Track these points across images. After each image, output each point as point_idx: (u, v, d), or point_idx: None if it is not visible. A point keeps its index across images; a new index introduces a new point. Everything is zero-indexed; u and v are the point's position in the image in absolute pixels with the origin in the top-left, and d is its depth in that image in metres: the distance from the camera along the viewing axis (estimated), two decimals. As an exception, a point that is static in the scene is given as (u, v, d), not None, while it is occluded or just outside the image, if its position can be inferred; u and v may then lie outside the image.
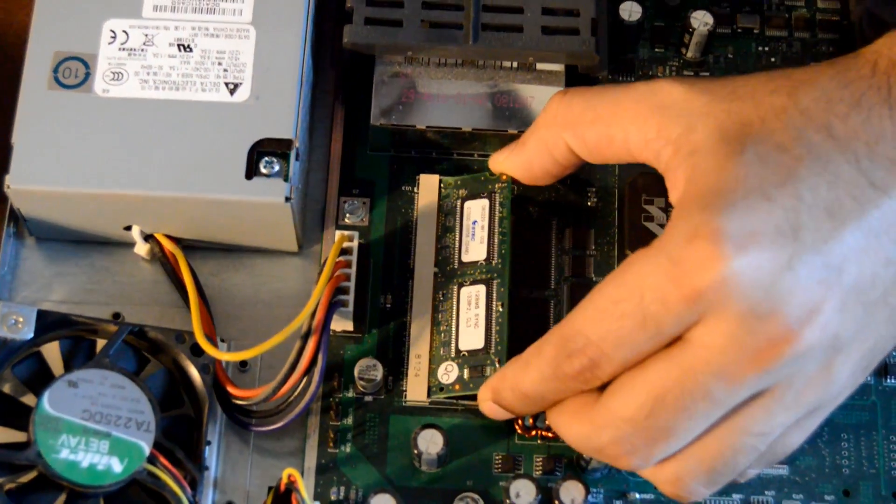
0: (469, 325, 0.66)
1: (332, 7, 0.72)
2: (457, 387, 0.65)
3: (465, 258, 0.67)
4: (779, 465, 0.66)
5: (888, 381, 0.67)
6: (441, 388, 0.65)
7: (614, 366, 0.57)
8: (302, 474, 0.64)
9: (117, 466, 0.60)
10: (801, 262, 0.53)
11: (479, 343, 0.65)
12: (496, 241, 0.67)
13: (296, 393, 0.63)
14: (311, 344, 0.63)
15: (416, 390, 0.66)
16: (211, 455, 0.64)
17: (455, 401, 0.66)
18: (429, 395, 0.66)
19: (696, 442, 0.57)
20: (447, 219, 0.68)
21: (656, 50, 0.74)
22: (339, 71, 0.72)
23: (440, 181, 0.69)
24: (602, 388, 0.58)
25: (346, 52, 0.69)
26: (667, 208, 0.69)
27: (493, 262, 0.66)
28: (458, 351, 0.65)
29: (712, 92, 0.58)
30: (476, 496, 0.65)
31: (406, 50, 0.69)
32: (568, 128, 0.62)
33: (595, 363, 0.57)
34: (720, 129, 0.56)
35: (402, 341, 0.67)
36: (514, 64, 0.69)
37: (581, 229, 0.70)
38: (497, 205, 0.67)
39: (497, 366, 0.64)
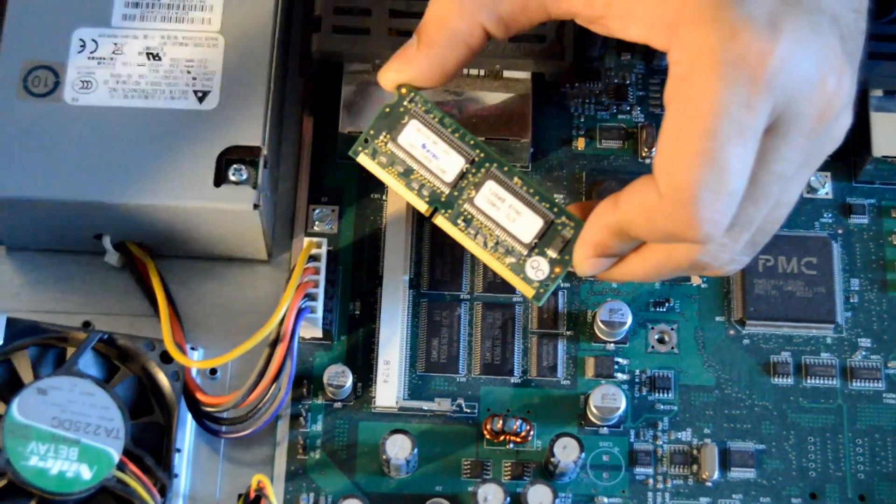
0: (511, 218, 0.61)
1: (300, 16, 0.72)
2: (556, 269, 0.61)
3: (450, 178, 0.62)
4: (746, 469, 0.66)
5: (854, 384, 0.68)
6: (546, 286, 0.61)
7: None
8: (271, 481, 0.65)
9: (86, 473, 0.60)
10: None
11: (537, 223, 0.61)
12: (459, 141, 0.62)
13: (265, 399, 0.64)
14: (280, 351, 0.63)
15: (385, 396, 0.67)
16: (181, 462, 0.65)
17: (554, 287, 0.61)
18: (537, 299, 0.61)
19: (745, 203, 0.55)
20: (394, 168, 0.62)
21: (622, 57, 0.74)
22: (307, 79, 0.72)
23: (355, 151, 0.62)
24: None
25: (315, 61, 0.69)
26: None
27: (476, 158, 0.62)
28: (525, 245, 0.61)
29: None
30: (445, 501, 0.65)
31: (374, 58, 0.69)
32: (482, 10, 0.59)
33: None
34: None
35: (371, 348, 0.68)
36: (481, 72, 0.70)
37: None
38: (424, 115, 0.62)
39: (571, 224, 0.60)
